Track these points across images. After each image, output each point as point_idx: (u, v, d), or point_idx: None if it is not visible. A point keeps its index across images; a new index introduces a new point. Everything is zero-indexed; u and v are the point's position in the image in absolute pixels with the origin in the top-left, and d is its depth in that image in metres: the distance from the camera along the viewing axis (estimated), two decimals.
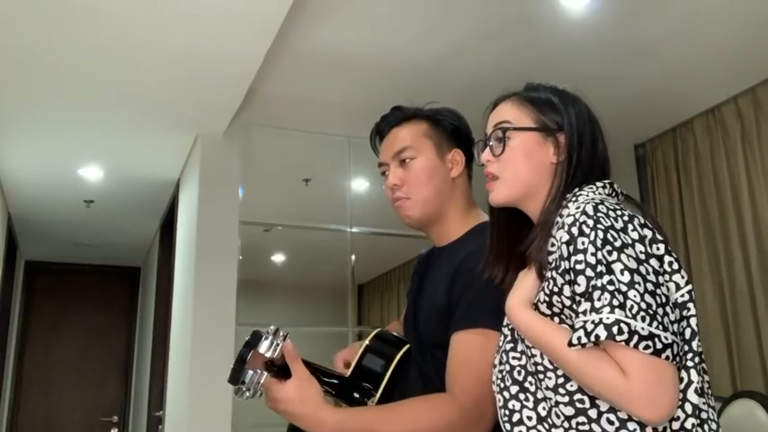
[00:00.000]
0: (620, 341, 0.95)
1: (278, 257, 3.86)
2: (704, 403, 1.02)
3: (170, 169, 4.05)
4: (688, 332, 1.04)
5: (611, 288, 0.98)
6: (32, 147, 3.71)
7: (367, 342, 1.52)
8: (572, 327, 1.06)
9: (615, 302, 0.97)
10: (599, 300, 0.99)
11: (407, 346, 1.48)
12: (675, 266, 1.06)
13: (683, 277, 1.06)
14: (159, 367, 4.58)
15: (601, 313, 0.97)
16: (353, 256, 3.57)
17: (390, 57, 3.14)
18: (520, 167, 1.19)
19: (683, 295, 1.05)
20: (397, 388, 1.40)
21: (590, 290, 1.00)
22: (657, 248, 1.05)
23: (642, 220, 1.06)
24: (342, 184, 3.62)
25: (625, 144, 4.14)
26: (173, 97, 3.08)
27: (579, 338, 0.98)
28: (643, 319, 0.96)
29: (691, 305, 1.05)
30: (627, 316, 0.96)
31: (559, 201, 1.15)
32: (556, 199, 1.15)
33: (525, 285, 1.13)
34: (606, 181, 1.17)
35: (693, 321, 1.05)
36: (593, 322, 0.98)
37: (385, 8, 2.77)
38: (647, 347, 0.96)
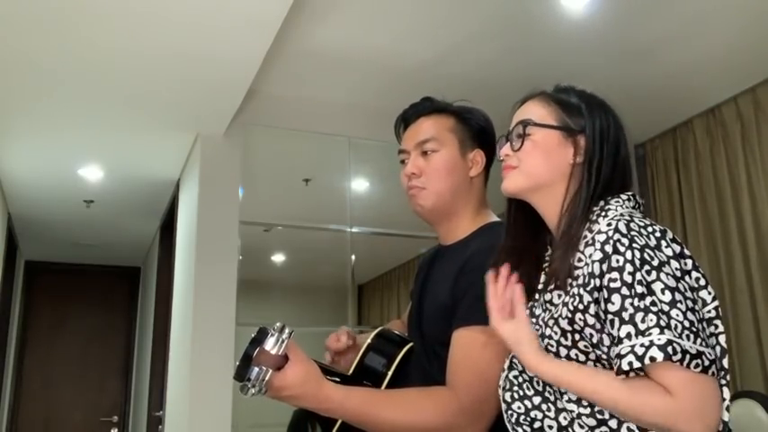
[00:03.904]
0: (676, 361, 0.94)
1: (278, 257, 3.85)
2: (728, 418, 1.02)
3: (170, 169, 4.05)
4: (718, 350, 1.03)
5: (654, 309, 0.97)
6: (32, 147, 3.71)
7: (369, 341, 1.52)
8: (593, 345, 1.04)
9: (662, 323, 0.96)
10: (643, 322, 0.97)
11: (410, 345, 1.48)
12: (702, 282, 1.05)
13: (709, 293, 1.05)
14: (159, 367, 4.58)
15: (650, 335, 0.96)
16: (353, 256, 3.57)
17: (390, 57, 3.14)
18: (537, 162, 1.19)
19: (709, 311, 1.04)
20: (398, 387, 1.40)
21: (627, 309, 0.98)
22: (686, 264, 1.04)
23: (672, 235, 1.06)
24: (342, 184, 3.62)
25: None
26: (173, 97, 3.08)
27: (630, 363, 0.96)
28: (688, 338, 0.96)
29: (718, 322, 1.04)
30: (675, 336, 0.95)
31: (585, 212, 1.13)
32: (579, 205, 1.14)
33: (526, 334, 1.11)
34: (629, 193, 1.16)
35: (722, 339, 1.04)
36: (642, 345, 0.96)
37: (384, 8, 2.76)
38: (696, 366, 0.95)
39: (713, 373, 0.96)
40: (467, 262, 1.35)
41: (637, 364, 0.96)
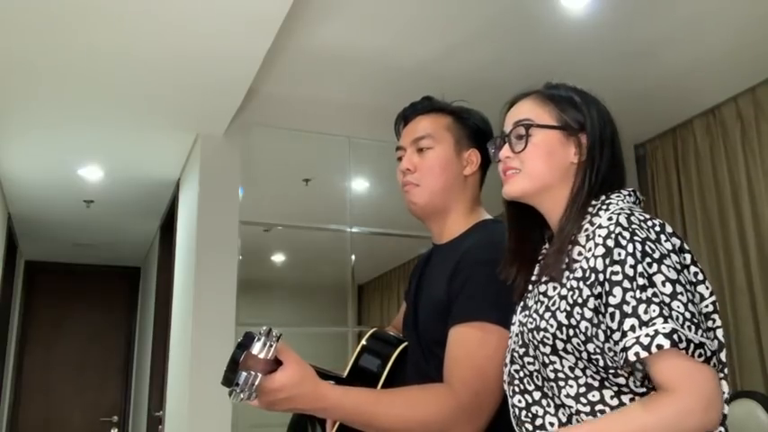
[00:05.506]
0: (682, 349, 0.95)
1: (278, 257, 3.85)
2: (727, 411, 1.03)
3: (170, 169, 4.05)
4: (715, 344, 1.03)
5: (656, 300, 0.97)
6: (32, 147, 3.71)
7: (363, 342, 1.52)
8: (586, 339, 1.03)
9: (665, 313, 0.96)
10: (646, 313, 0.97)
11: (404, 345, 1.47)
12: (701, 277, 1.05)
13: (707, 288, 1.05)
14: (159, 367, 4.58)
15: (654, 325, 0.96)
16: (353, 256, 3.56)
17: (390, 56, 3.14)
18: (540, 164, 1.18)
19: (707, 306, 1.05)
20: (394, 387, 1.40)
21: (629, 302, 0.99)
22: (684, 258, 1.05)
23: (671, 230, 1.06)
24: (342, 184, 3.62)
25: (625, 144, 4.05)
26: (173, 97, 3.08)
27: (637, 354, 0.96)
28: (690, 329, 0.96)
29: (715, 316, 1.05)
30: (678, 326, 0.96)
31: (584, 206, 1.13)
32: (577, 203, 1.14)
33: None
34: (630, 189, 1.16)
35: (720, 333, 1.05)
36: (647, 335, 0.96)
37: (384, 8, 2.76)
38: (700, 355, 0.96)
39: (714, 365, 0.97)
40: (461, 259, 1.35)
41: (644, 354, 0.96)
